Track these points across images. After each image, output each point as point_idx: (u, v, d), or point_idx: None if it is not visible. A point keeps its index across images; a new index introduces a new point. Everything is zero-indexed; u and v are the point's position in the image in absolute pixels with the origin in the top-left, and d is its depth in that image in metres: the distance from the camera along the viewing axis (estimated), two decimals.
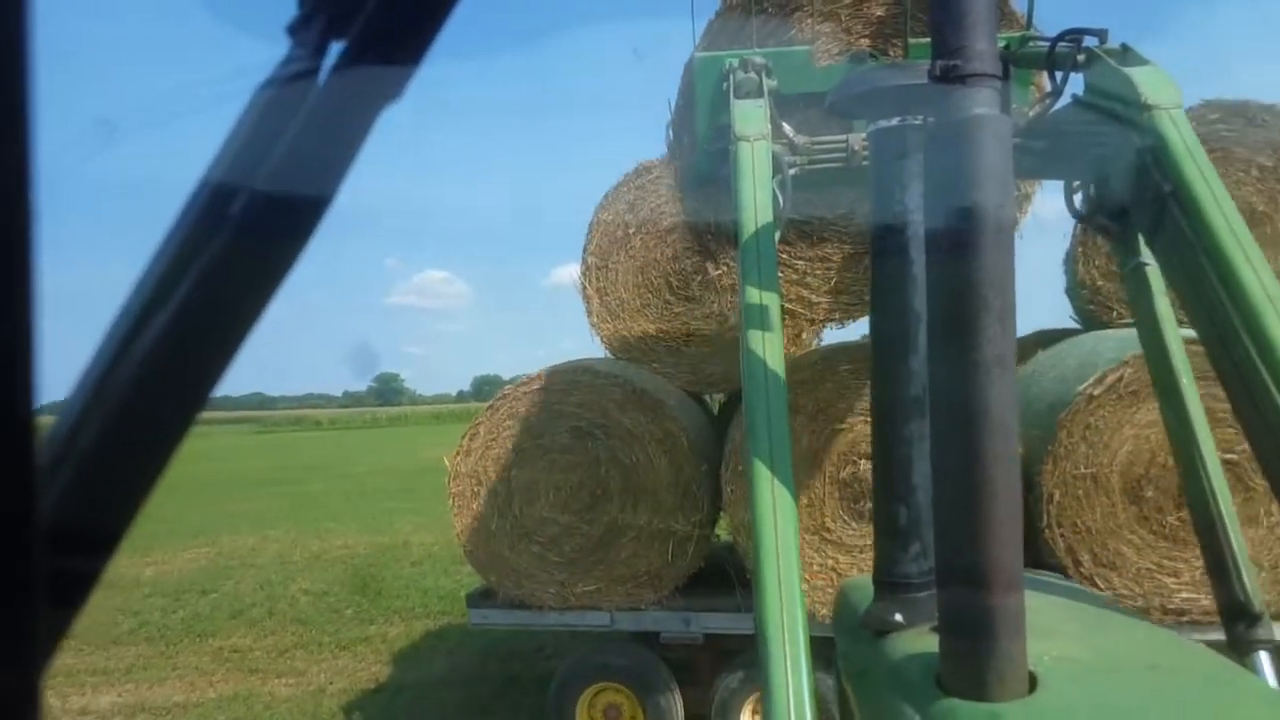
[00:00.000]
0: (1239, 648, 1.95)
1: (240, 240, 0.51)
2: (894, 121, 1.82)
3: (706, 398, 6.71)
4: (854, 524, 4.98)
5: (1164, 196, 1.69)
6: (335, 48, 0.53)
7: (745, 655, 5.32)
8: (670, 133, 4.05)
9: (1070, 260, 5.47)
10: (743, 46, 3.32)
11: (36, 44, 0.38)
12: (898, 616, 1.74)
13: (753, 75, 2.80)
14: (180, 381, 0.52)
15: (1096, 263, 5.27)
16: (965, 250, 1.21)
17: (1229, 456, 4.34)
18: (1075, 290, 5.46)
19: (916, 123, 1.77)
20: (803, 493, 5.00)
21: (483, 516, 5.52)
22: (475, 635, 7.77)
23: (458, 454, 5.53)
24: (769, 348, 1.92)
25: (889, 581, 1.86)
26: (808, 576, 5.02)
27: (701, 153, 3.36)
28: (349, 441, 42.01)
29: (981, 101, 1.25)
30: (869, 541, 4.87)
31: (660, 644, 5.39)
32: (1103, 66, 1.90)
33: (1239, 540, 1.94)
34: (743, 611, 5.21)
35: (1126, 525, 4.46)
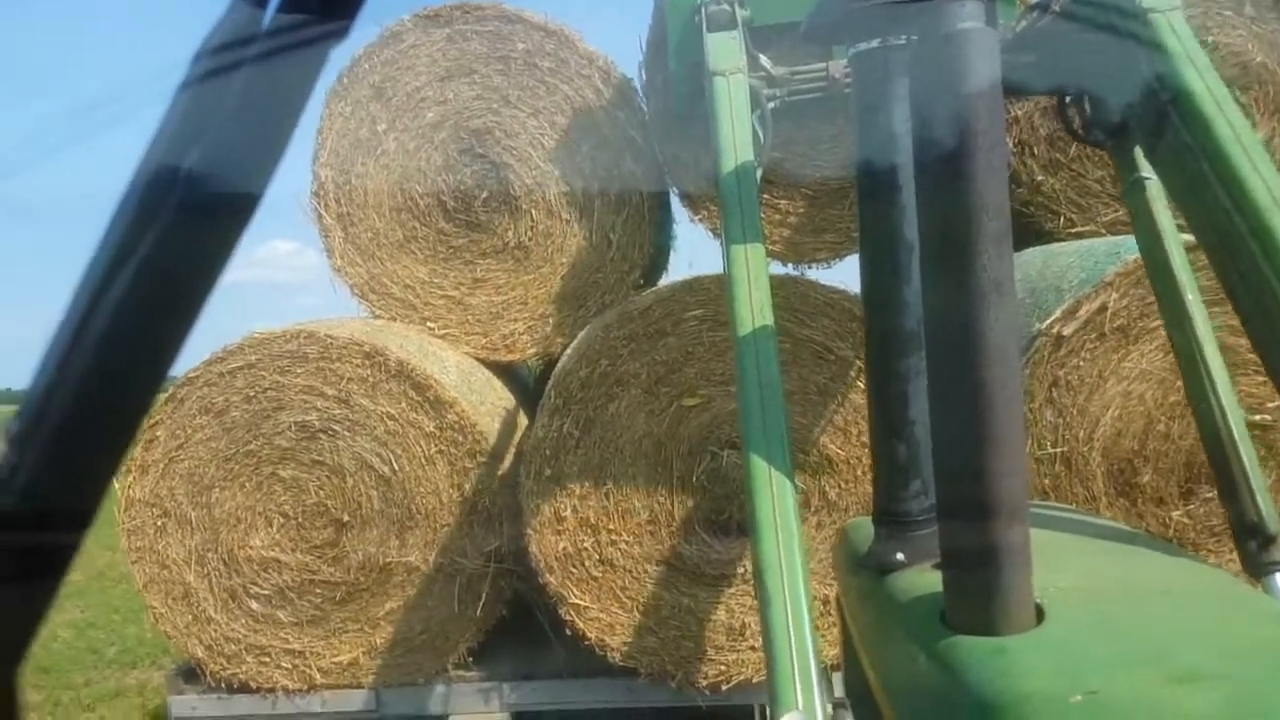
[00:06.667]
0: (1254, 570, 1.86)
1: (191, 205, 0.52)
2: (875, 43, 1.72)
3: (525, 367, 5.01)
4: (718, 545, 3.40)
5: (1163, 105, 1.68)
6: None
7: None
8: (642, 73, 3.81)
9: None
10: None
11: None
12: (900, 555, 1.64)
13: (725, 7, 2.69)
14: (139, 357, 0.54)
15: (1035, 150, 3.80)
16: (956, 173, 1.19)
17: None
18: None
19: (899, 43, 1.67)
20: (641, 503, 3.41)
21: (174, 563, 3.71)
22: None
23: (129, 472, 3.67)
24: (755, 283, 1.85)
25: (890, 520, 1.73)
26: (653, 625, 3.43)
27: (676, 93, 3.29)
28: None
29: (966, 15, 1.20)
30: (741, 570, 3.41)
31: None
32: None
33: (1253, 461, 1.84)
34: (565, 677, 3.67)
35: None
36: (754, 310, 1.83)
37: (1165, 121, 1.69)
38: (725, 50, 2.47)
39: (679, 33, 3.10)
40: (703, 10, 2.72)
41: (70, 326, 0.52)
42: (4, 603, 0.49)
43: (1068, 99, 2.09)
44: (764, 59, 2.64)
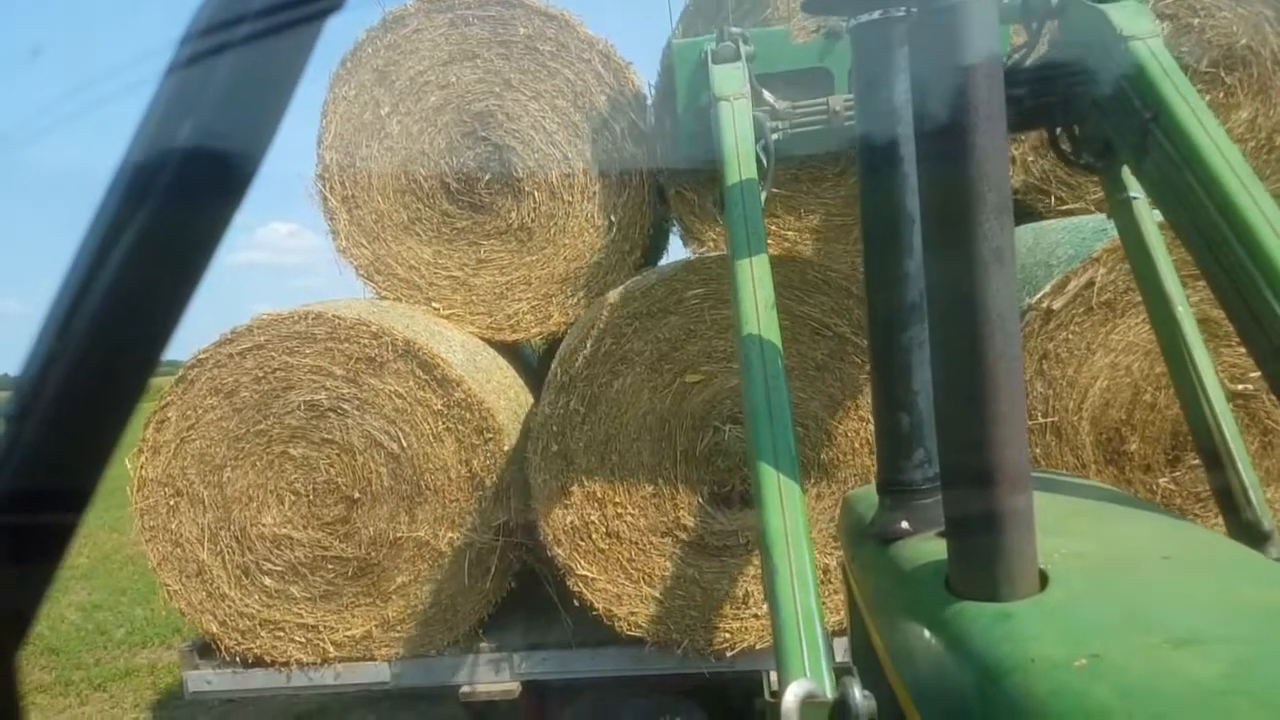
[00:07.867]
0: None
1: (183, 184, 0.51)
2: (875, 15, 1.75)
3: (529, 346, 5.07)
4: (721, 516, 3.48)
5: (1146, 123, 1.76)
6: None
7: (583, 701, 3.84)
8: (651, 119, 3.95)
9: None
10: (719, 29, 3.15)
11: None
12: (904, 524, 1.68)
13: (729, 44, 2.82)
14: (133, 338, 0.53)
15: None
16: (957, 145, 1.20)
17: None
18: None
19: (899, 15, 1.71)
20: (646, 476, 3.48)
21: (188, 541, 3.78)
22: None
23: (140, 452, 3.73)
24: (759, 283, 1.91)
25: (894, 489, 1.77)
26: (659, 595, 3.51)
27: (684, 136, 3.37)
28: None
29: None
30: (744, 540, 3.49)
31: (463, 700, 3.81)
32: (1077, 6, 1.94)
33: (1245, 459, 1.85)
34: (574, 647, 3.73)
35: None
36: (758, 308, 1.87)
37: (1148, 138, 1.76)
38: (729, 79, 2.58)
39: (686, 81, 3.24)
40: (709, 50, 2.85)
41: (64, 307, 0.51)
42: (2, 584, 0.48)
43: (1058, 129, 2.14)
44: (767, 94, 2.72)
